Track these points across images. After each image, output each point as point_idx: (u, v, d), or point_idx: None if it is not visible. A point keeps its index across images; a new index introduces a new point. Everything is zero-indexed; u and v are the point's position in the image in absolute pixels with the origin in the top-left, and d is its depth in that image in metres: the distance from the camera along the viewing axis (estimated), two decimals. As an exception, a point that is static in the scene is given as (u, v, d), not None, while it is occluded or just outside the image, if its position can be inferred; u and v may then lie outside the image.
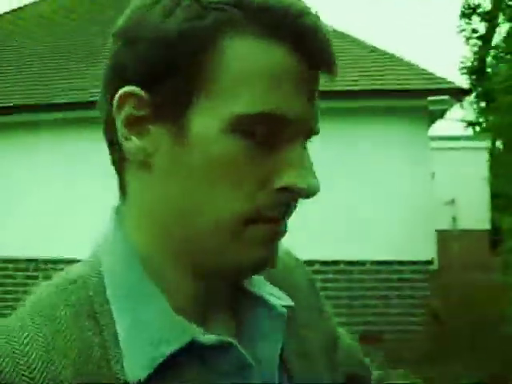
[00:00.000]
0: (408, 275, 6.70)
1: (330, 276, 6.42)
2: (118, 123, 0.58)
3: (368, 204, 6.57)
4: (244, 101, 0.54)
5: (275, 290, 0.69)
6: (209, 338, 0.58)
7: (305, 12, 0.55)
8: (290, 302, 0.69)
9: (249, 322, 0.66)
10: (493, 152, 13.48)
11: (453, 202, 13.28)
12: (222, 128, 0.55)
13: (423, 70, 7.07)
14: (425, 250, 6.73)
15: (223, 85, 0.54)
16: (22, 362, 0.52)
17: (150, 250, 0.61)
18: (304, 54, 0.56)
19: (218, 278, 0.63)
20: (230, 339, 0.59)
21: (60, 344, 0.54)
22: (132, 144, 0.58)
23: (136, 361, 0.55)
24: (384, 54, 7.46)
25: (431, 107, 6.58)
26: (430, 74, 6.94)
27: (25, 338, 0.54)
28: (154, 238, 0.60)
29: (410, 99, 6.63)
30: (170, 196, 0.58)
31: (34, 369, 0.52)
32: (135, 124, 0.58)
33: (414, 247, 6.62)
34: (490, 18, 19.84)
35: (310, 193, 0.57)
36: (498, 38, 19.77)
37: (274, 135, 0.56)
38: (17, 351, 0.53)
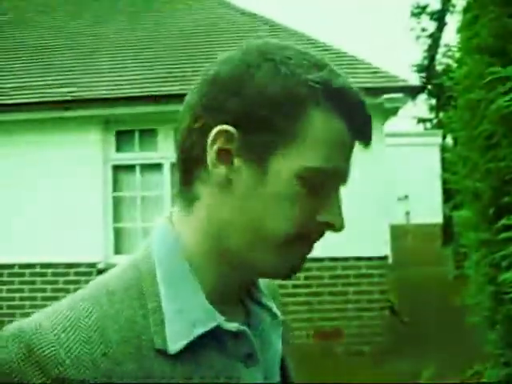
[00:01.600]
0: (365, 271, 6.80)
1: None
2: (211, 153, 0.73)
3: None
4: (312, 157, 0.72)
5: (275, 305, 0.87)
6: (231, 325, 0.74)
7: (363, 102, 0.75)
8: (281, 316, 0.87)
9: (255, 324, 0.82)
10: (444, 148, 13.78)
11: (406, 197, 13.54)
12: (293, 174, 0.72)
13: (377, 68, 7.19)
14: (380, 245, 6.85)
15: (300, 143, 0.72)
16: (81, 326, 0.67)
17: (197, 251, 0.76)
18: (354, 131, 0.75)
19: (253, 277, 0.81)
20: (246, 329, 0.76)
21: (112, 312, 0.69)
22: (219, 171, 0.73)
23: (176, 335, 0.70)
24: (338, 52, 7.54)
25: (386, 105, 6.69)
26: (384, 72, 7.06)
27: (86, 309, 0.69)
28: (204, 243, 0.76)
29: (366, 97, 6.72)
30: (234, 213, 0.74)
31: (91, 331, 0.67)
32: (223, 155, 0.73)
33: (369, 243, 6.73)
34: (439, 18, 20.30)
35: (340, 229, 0.77)
36: (447, 36, 20.26)
37: (323, 184, 0.74)
38: (76, 319, 0.68)
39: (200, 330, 0.71)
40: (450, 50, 16.90)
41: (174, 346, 0.70)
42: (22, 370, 0.63)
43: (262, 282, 0.89)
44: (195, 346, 0.71)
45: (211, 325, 0.72)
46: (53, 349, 0.64)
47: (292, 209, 0.73)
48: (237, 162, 0.73)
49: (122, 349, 0.68)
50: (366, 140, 0.78)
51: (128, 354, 0.68)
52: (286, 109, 0.71)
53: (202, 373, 0.72)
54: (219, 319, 0.73)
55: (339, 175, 0.76)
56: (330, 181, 0.75)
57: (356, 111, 0.74)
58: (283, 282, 6.17)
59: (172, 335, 0.70)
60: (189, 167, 0.77)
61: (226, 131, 0.72)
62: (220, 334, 0.74)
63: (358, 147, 0.78)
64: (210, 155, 0.73)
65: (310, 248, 0.78)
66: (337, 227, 0.76)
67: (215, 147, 0.73)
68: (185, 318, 0.72)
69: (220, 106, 0.73)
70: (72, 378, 0.63)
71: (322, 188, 0.74)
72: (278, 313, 0.85)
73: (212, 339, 0.73)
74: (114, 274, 0.76)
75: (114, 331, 0.68)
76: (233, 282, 0.79)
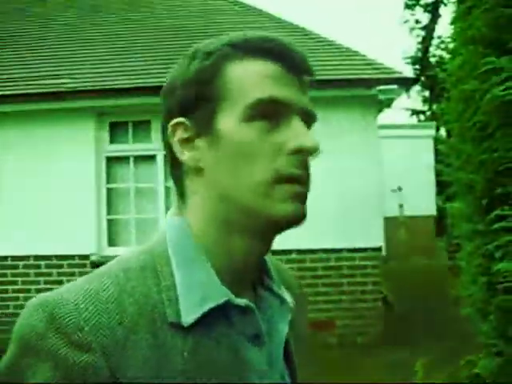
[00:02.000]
0: (358, 262, 6.82)
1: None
2: (174, 144, 0.84)
3: (317, 192, 6.62)
4: (247, 98, 0.79)
5: (286, 292, 0.90)
6: (240, 300, 0.79)
7: (272, 39, 0.82)
8: (292, 304, 0.89)
9: (264, 308, 0.86)
10: (437, 140, 13.79)
11: (400, 189, 13.57)
12: (238, 120, 0.79)
13: (371, 59, 7.18)
14: (374, 236, 6.86)
15: (232, 94, 0.80)
16: (99, 298, 0.73)
17: (204, 235, 0.82)
18: (288, 67, 0.81)
19: (257, 236, 0.81)
20: (253, 306, 0.80)
21: (128, 288, 0.76)
22: (186, 156, 0.83)
23: (188, 309, 0.76)
24: (333, 44, 7.53)
25: (380, 96, 6.69)
26: (379, 63, 7.06)
27: (103, 283, 0.76)
28: (208, 227, 0.82)
29: (360, 88, 6.72)
30: (215, 184, 0.81)
31: (108, 302, 0.73)
32: (185, 143, 0.83)
33: (363, 234, 6.75)
34: (433, 9, 20.30)
35: (314, 149, 0.79)
36: (440, 28, 20.27)
37: (275, 114, 0.79)
38: (94, 292, 0.74)
39: (211, 304, 0.77)
40: (443, 42, 16.92)
41: (187, 318, 0.76)
42: (45, 335, 0.70)
43: (276, 272, 0.91)
44: (206, 321, 0.77)
45: (221, 300, 0.77)
46: (72, 317, 0.71)
47: (255, 151, 0.78)
48: (197, 143, 0.82)
49: (137, 319, 0.74)
50: (302, 73, 0.84)
51: (142, 325, 0.74)
52: (204, 79, 0.81)
53: (212, 346, 0.77)
54: (229, 295, 0.78)
55: (289, 102, 0.80)
56: (283, 110, 0.80)
57: (274, 51, 0.81)
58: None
59: (185, 309, 0.76)
60: (172, 166, 0.87)
61: (180, 123, 0.83)
62: (229, 310, 0.79)
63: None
64: (175, 145, 0.83)
65: (301, 186, 0.80)
66: (309, 147, 0.79)
67: (176, 139, 0.83)
68: (197, 293, 0.77)
69: (167, 106, 0.87)
70: (90, 343, 0.70)
71: (277, 124, 0.80)
72: (289, 300, 0.88)
73: (222, 315, 0.78)
74: (131, 255, 0.82)
75: (129, 304, 0.74)
76: (241, 261, 0.82)
